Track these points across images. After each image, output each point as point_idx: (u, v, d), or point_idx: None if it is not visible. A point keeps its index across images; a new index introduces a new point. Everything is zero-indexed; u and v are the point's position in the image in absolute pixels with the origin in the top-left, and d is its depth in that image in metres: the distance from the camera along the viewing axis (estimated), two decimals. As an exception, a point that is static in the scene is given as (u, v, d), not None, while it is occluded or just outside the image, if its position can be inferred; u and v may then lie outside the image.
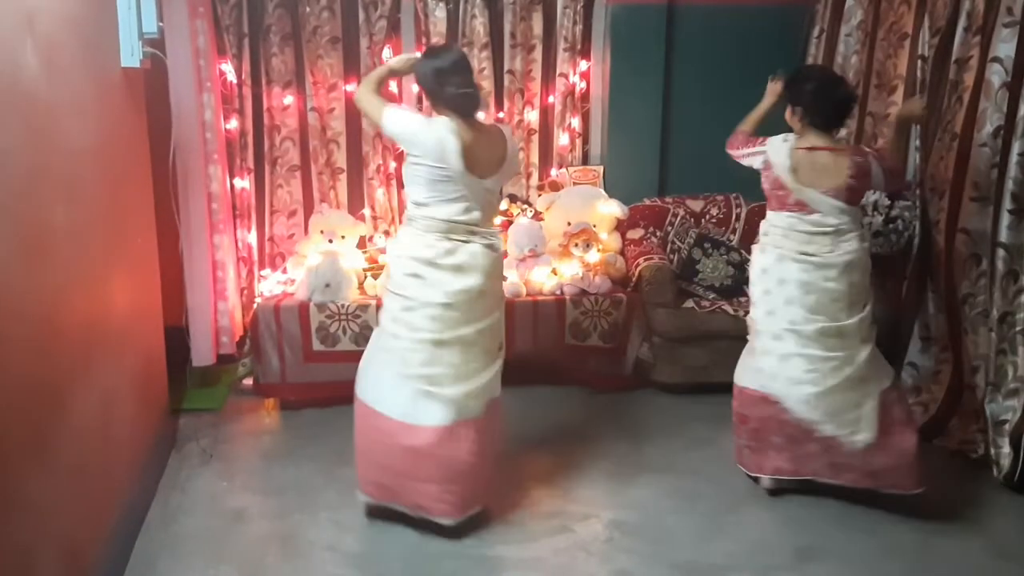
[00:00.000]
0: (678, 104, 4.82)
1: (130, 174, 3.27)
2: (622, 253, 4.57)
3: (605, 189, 4.77)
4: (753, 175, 3.34)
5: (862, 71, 4.41)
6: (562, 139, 4.86)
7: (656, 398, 4.28)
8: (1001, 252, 3.43)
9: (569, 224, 4.50)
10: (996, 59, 3.44)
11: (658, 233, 4.67)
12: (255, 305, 4.19)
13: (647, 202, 4.76)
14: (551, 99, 4.84)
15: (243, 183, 4.56)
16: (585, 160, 4.94)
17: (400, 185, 4.78)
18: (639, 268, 4.32)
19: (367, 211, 4.76)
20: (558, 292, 4.28)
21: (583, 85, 4.85)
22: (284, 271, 4.51)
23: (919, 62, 3.90)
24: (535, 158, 4.89)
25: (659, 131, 4.82)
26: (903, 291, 4.09)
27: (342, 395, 4.06)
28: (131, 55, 3.04)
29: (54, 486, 2.20)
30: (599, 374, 4.34)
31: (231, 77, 4.44)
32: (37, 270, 2.15)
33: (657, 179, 4.87)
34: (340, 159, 4.73)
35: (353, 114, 4.67)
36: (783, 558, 2.92)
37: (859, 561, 2.91)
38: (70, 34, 2.51)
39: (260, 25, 4.49)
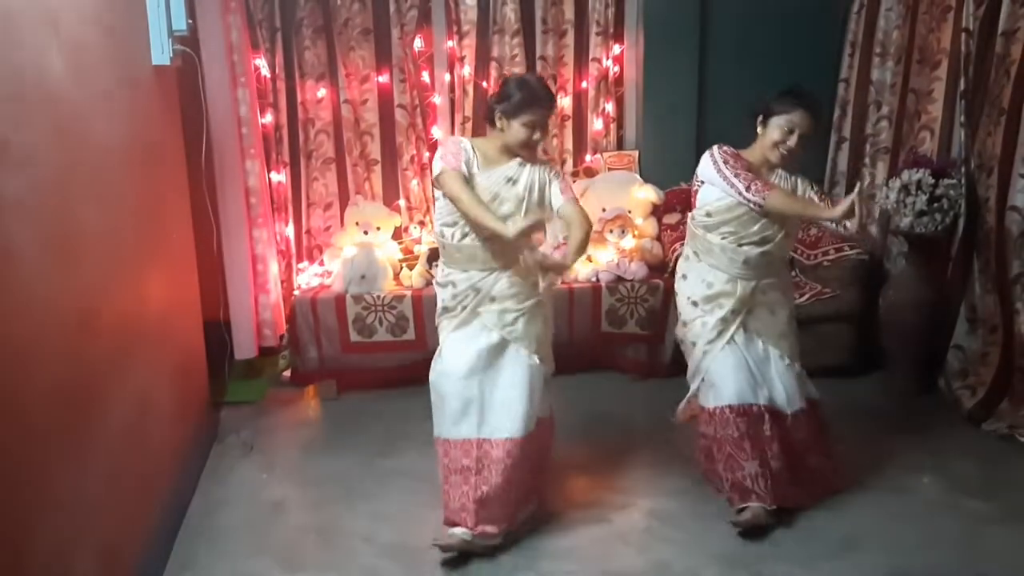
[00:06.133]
0: (714, 86, 4.73)
1: (164, 171, 3.31)
2: (658, 239, 4.51)
3: (640, 174, 4.71)
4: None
5: (904, 47, 4.29)
6: (596, 124, 4.80)
7: (695, 385, 4.23)
8: (1052, 230, 3.33)
9: (604, 210, 4.45)
10: (1045, 29, 3.33)
11: (695, 218, 4.60)
12: (292, 298, 4.23)
13: (683, 186, 4.67)
14: (584, 84, 4.78)
15: (279, 177, 4.59)
16: (620, 145, 4.88)
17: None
18: (676, 254, 4.26)
19: (402, 202, 4.76)
20: (593, 279, 4.25)
21: (616, 69, 4.78)
22: (321, 263, 4.54)
23: (963, 35, 3.78)
24: (569, 144, 4.84)
25: (695, 114, 4.74)
26: (948, 272, 3.98)
27: (379, 380, 4.13)
28: (161, 53, 3.07)
29: (91, 483, 2.23)
30: (637, 361, 4.30)
31: (265, 71, 4.46)
32: (68, 269, 2.18)
33: (693, 163, 4.60)
34: (374, 151, 4.73)
35: (386, 105, 4.67)
36: (827, 548, 2.86)
37: (905, 551, 2.83)
38: (97, 34, 2.53)
39: (292, 19, 4.51)
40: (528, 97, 2.81)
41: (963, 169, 3.82)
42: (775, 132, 2.94)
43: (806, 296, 4.15)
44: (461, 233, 2.87)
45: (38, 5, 2.09)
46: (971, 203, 3.81)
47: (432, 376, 2.97)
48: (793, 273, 4.38)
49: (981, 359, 3.77)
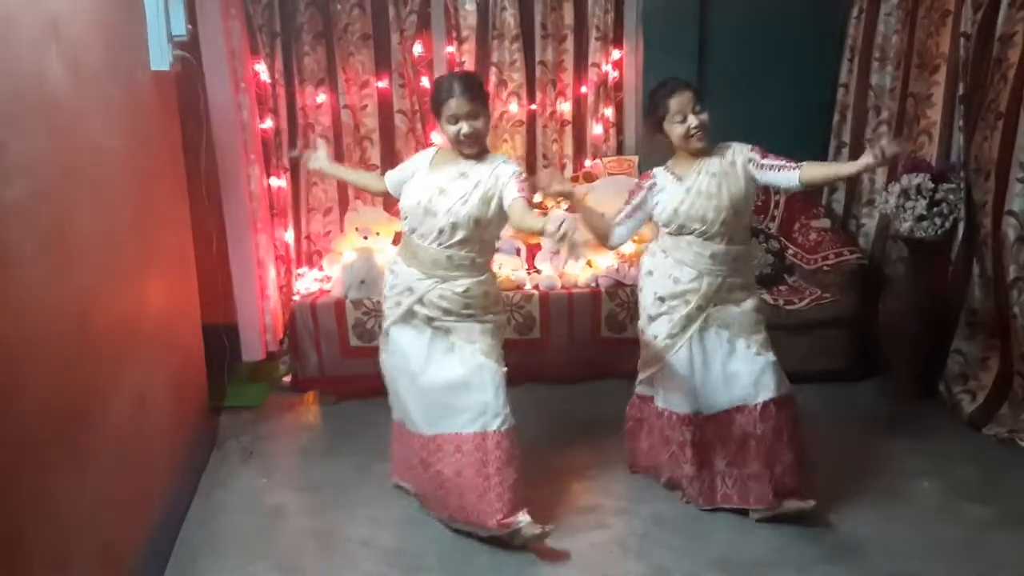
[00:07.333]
0: (713, 92, 4.68)
1: (163, 176, 3.31)
2: (658, 243, 4.51)
3: (640, 179, 4.71)
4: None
5: (903, 51, 4.29)
6: (596, 129, 4.81)
7: (695, 390, 4.23)
8: (1051, 234, 3.32)
9: (603, 215, 4.44)
10: (1042, 34, 3.33)
11: (695, 222, 4.60)
12: (292, 303, 4.23)
13: (683, 191, 4.69)
14: (584, 89, 4.79)
15: (279, 182, 4.60)
16: (620, 150, 4.88)
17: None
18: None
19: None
20: (593, 284, 4.25)
21: (616, 74, 4.79)
22: (320, 269, 4.54)
23: (962, 40, 3.78)
24: (569, 149, 4.85)
25: (694, 119, 4.73)
26: (948, 277, 3.98)
27: (380, 388, 4.12)
28: (160, 58, 3.08)
29: (89, 487, 2.23)
30: (636, 367, 4.29)
31: (264, 77, 4.47)
32: (66, 273, 2.18)
33: (693, 167, 4.78)
34: (374, 156, 4.74)
35: (386, 110, 4.68)
36: (826, 552, 2.86)
37: (905, 556, 2.83)
38: (97, 39, 2.54)
39: (292, 24, 4.52)
40: (444, 90, 2.79)
41: (962, 173, 3.82)
42: (677, 128, 2.97)
43: (805, 301, 4.15)
44: (409, 228, 2.92)
45: (38, 10, 2.10)
46: (970, 207, 3.81)
47: (383, 361, 3.12)
48: (793, 278, 4.38)
49: (981, 363, 3.77)
